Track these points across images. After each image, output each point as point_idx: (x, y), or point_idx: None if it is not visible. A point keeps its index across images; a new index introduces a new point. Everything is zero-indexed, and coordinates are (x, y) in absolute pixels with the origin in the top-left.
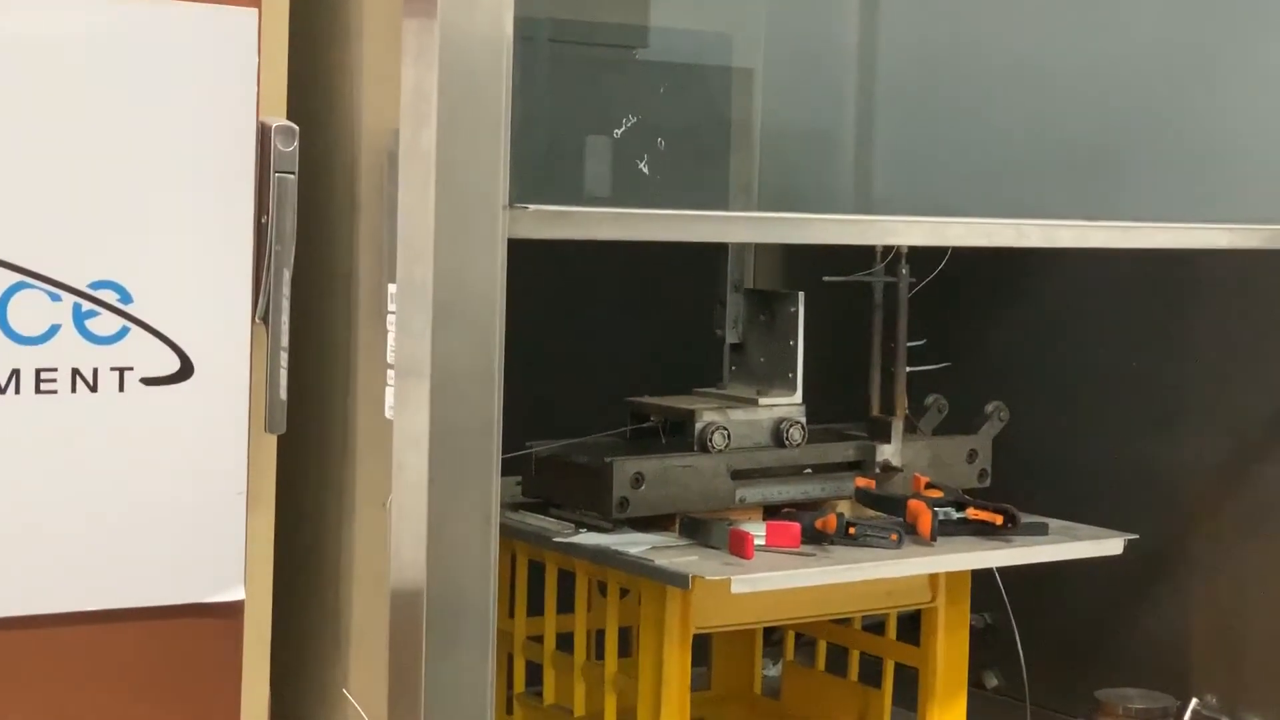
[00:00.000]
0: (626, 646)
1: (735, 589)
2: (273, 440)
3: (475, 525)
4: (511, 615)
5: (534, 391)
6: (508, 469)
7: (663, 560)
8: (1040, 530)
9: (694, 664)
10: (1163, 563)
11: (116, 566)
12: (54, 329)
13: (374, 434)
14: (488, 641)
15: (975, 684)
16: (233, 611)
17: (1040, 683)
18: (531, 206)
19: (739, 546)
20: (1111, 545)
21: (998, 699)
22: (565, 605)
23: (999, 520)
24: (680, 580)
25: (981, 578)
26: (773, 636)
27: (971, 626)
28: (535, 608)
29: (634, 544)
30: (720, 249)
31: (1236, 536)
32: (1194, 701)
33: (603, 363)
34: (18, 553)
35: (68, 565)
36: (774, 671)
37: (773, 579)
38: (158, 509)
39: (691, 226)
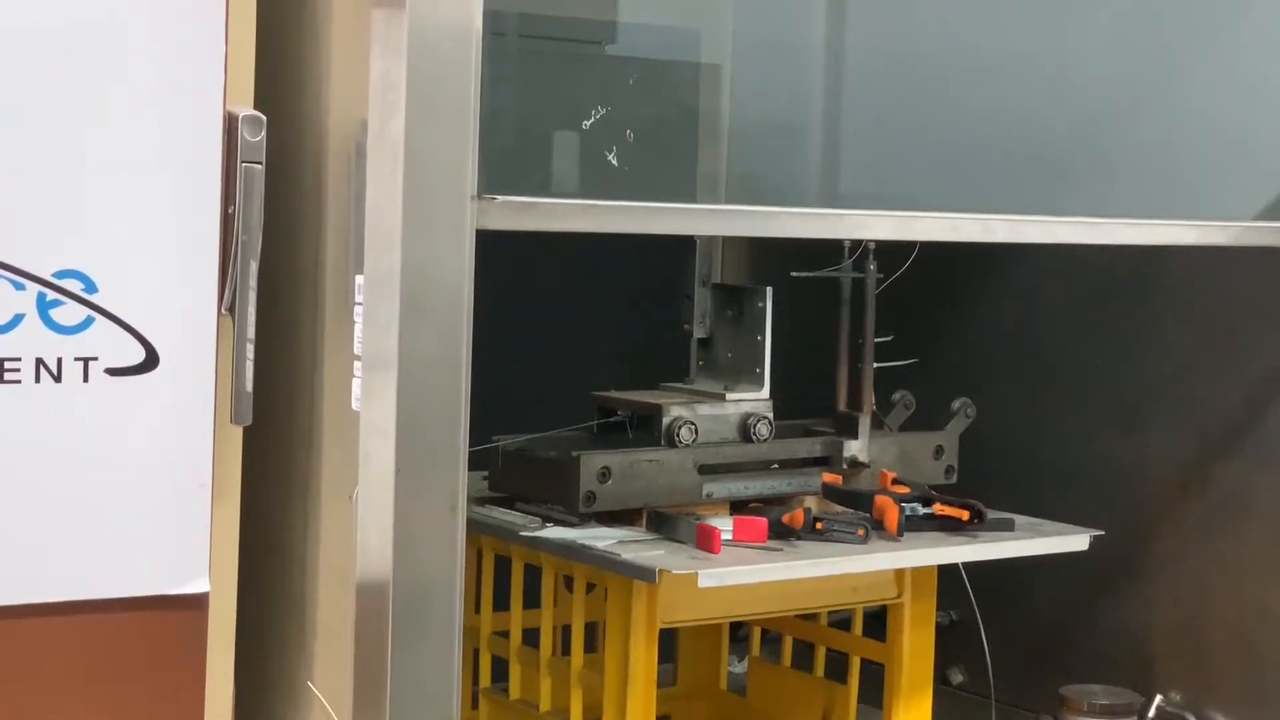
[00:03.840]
0: (593, 642)
1: (702, 583)
2: (238, 432)
3: (441, 517)
4: (478, 610)
5: (501, 386)
6: (474, 463)
7: (629, 554)
8: (1006, 526)
9: (660, 660)
10: (1128, 559)
11: (79, 558)
12: (18, 318)
13: (340, 426)
14: (454, 634)
15: (941, 681)
16: (197, 603)
17: (1005, 679)
18: (500, 198)
19: (706, 541)
20: (1077, 541)
21: (963, 695)
22: (531, 600)
23: (965, 516)
24: (647, 574)
25: (947, 575)
26: (739, 633)
27: (937, 623)
28: (501, 603)
29: (601, 538)
30: (688, 244)
31: (1201, 533)
32: (1158, 698)
33: (570, 357)
34: None
35: (30, 556)
36: (740, 668)
37: (739, 573)
38: (122, 500)
39: (659, 219)
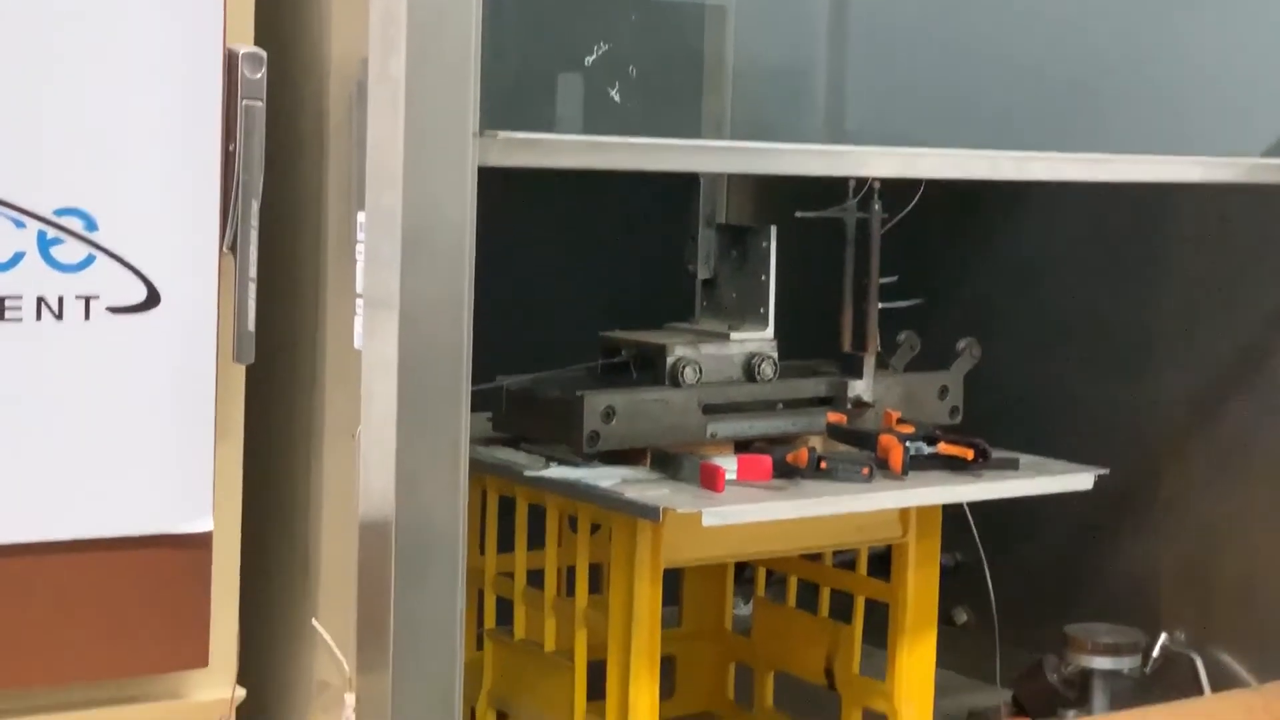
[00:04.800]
0: (597, 583)
1: (706, 522)
2: (241, 371)
3: (445, 454)
4: (482, 552)
5: (504, 326)
6: (478, 403)
7: (633, 493)
8: (1011, 465)
9: (665, 602)
10: (1133, 501)
11: (82, 497)
12: (18, 256)
13: (343, 365)
14: (457, 573)
15: (945, 621)
16: (201, 542)
17: (1010, 620)
18: (501, 134)
19: (710, 480)
20: (1082, 480)
21: (967, 635)
22: (536, 541)
23: (970, 455)
24: (651, 513)
25: (952, 517)
26: (744, 574)
27: (941, 565)
28: (505, 544)
29: (605, 478)
30: (692, 184)
31: (1206, 474)
32: (1163, 637)
33: (574, 297)
34: None
35: (32, 495)
36: (745, 610)
37: (744, 512)
38: (124, 439)
39: (662, 155)
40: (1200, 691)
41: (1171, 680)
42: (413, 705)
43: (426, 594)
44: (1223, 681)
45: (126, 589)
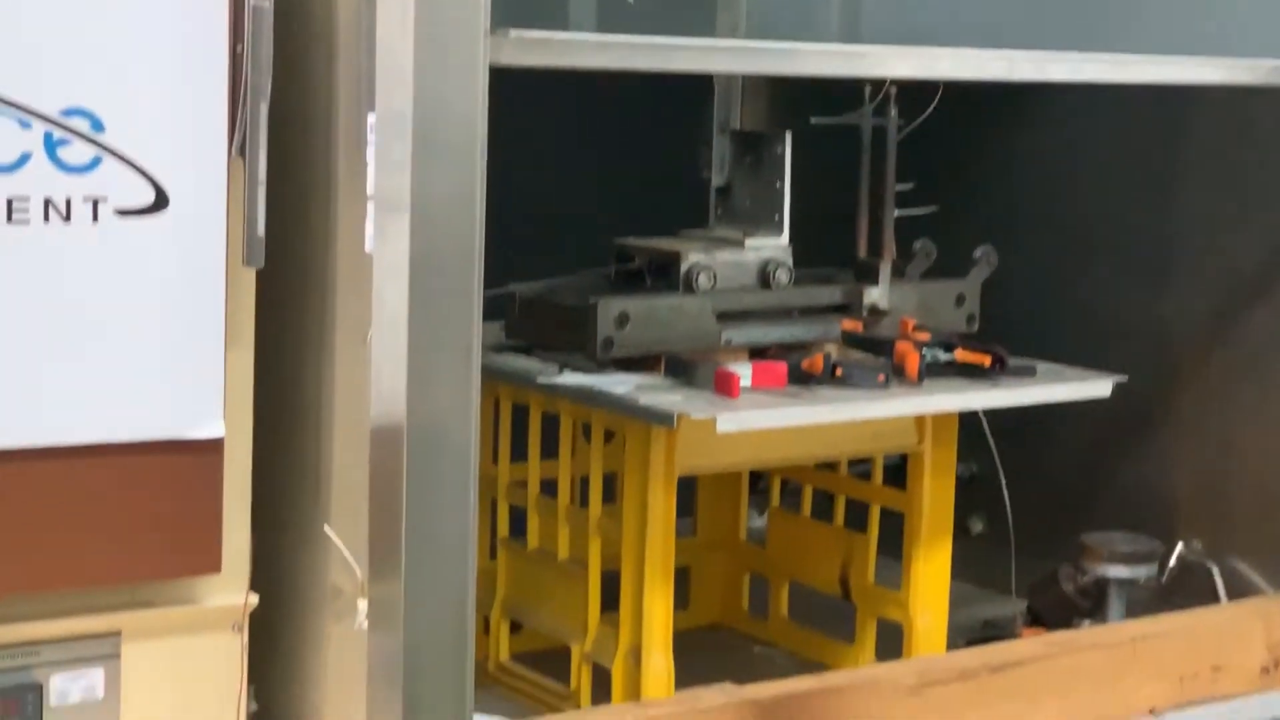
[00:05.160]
0: (611, 494)
1: (721, 428)
2: (251, 275)
3: (456, 358)
4: (495, 461)
5: (518, 233)
6: (491, 312)
7: (648, 399)
8: (1028, 372)
9: (679, 514)
10: (1150, 409)
11: (92, 401)
12: (25, 157)
13: (354, 269)
14: (469, 476)
15: (961, 531)
16: (212, 448)
17: (1025, 529)
18: (513, 32)
19: (725, 386)
20: (1099, 387)
21: (983, 546)
22: (549, 451)
23: (987, 362)
24: (665, 419)
25: (968, 427)
26: (758, 485)
27: (957, 476)
28: (519, 453)
29: (619, 384)
30: (706, 89)
31: (1224, 383)
32: (1180, 546)
33: (588, 205)
34: None
35: (42, 399)
36: (760, 521)
37: (758, 418)
38: (134, 343)
39: (677, 55)
40: (1217, 600)
41: (1188, 589)
42: (425, 611)
43: (439, 499)
44: (1239, 590)
45: (138, 494)
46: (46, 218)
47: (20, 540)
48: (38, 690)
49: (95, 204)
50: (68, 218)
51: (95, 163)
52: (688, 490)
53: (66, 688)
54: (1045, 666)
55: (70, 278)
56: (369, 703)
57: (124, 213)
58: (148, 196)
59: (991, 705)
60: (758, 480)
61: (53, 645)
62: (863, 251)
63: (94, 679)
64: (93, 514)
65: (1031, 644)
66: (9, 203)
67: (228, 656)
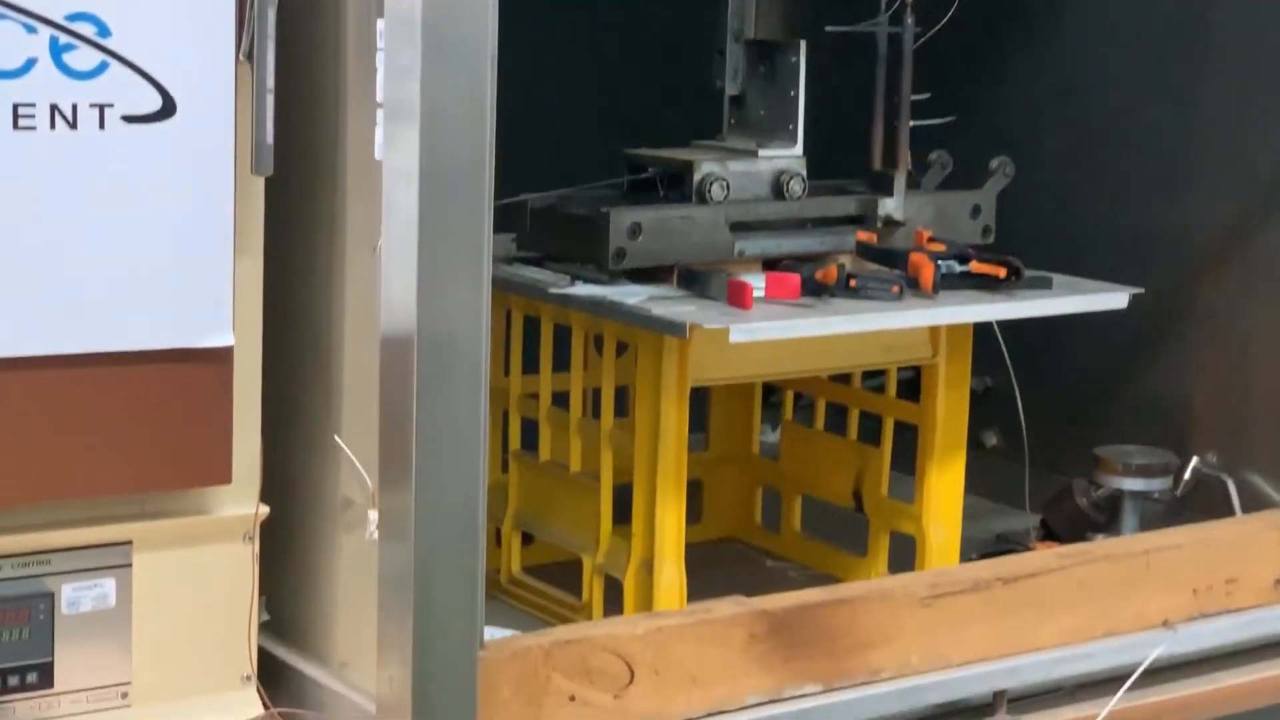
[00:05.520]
0: (623, 408)
1: (734, 338)
2: (260, 183)
3: (466, 265)
4: (507, 373)
5: (529, 144)
6: (502, 223)
7: (660, 310)
8: (1044, 284)
9: (692, 428)
10: (1166, 321)
11: (101, 309)
12: (30, 63)
13: (363, 176)
14: (480, 386)
15: (974, 445)
16: (222, 357)
17: (1040, 443)
18: None
19: (737, 297)
20: (1116, 299)
21: (997, 459)
22: (561, 364)
23: (1002, 273)
24: (678, 329)
25: (982, 340)
26: (771, 399)
27: (971, 390)
28: (530, 366)
29: (631, 295)
30: None
31: (1241, 296)
32: (1195, 459)
33: (600, 115)
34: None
35: (50, 307)
36: (772, 437)
37: (771, 329)
38: (142, 251)
39: None
40: (1231, 513)
41: (1203, 503)
42: (436, 521)
43: (449, 409)
44: (1254, 503)
45: (148, 403)
46: (53, 125)
47: (30, 449)
48: (49, 599)
49: (102, 110)
50: (74, 125)
51: (101, 68)
52: (701, 404)
53: (78, 597)
54: (1058, 578)
55: (77, 185)
56: (380, 614)
57: (131, 119)
58: (154, 103)
59: (1003, 617)
60: (770, 394)
61: (64, 554)
62: (878, 162)
63: (106, 588)
64: (102, 423)
65: (1044, 556)
66: (15, 109)
67: (239, 567)
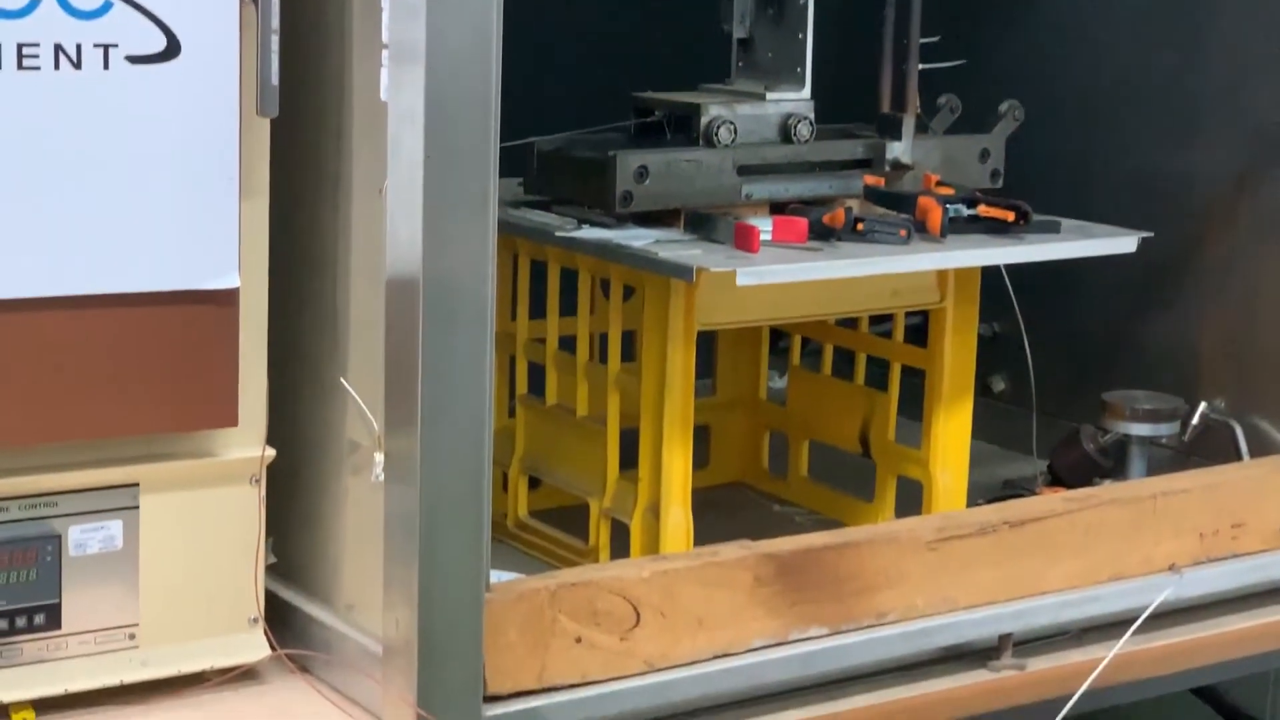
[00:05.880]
0: (630, 352)
1: (740, 281)
2: (265, 124)
3: (472, 207)
4: (514, 317)
5: (536, 87)
6: (509, 167)
7: (667, 253)
8: (1053, 228)
9: (700, 375)
10: (1175, 268)
11: (105, 251)
12: (34, 2)
13: (370, 119)
14: (485, 327)
15: (982, 390)
16: (228, 299)
17: (1048, 388)
18: None
19: (745, 240)
20: (1125, 243)
21: (1004, 405)
22: (568, 309)
23: (1011, 217)
24: (684, 273)
25: (990, 285)
26: (779, 344)
27: (979, 335)
28: (537, 310)
29: (638, 238)
30: None
31: (1249, 242)
32: (1203, 405)
33: (607, 58)
34: (3, 234)
35: (55, 248)
36: (780, 383)
37: (778, 272)
38: (147, 192)
39: None
40: (1239, 459)
41: (1210, 449)
42: (442, 464)
43: (455, 352)
44: (1262, 449)
45: (154, 346)
46: (57, 65)
47: (36, 390)
48: (56, 540)
49: (106, 51)
50: (78, 65)
51: (105, 8)
52: (708, 350)
53: (85, 539)
54: (1065, 522)
55: (82, 126)
56: (386, 557)
57: (135, 60)
58: (159, 43)
59: (1010, 561)
60: (778, 340)
61: (71, 496)
62: (886, 106)
63: (113, 530)
64: (107, 365)
65: (1051, 501)
66: (19, 49)
67: (246, 509)
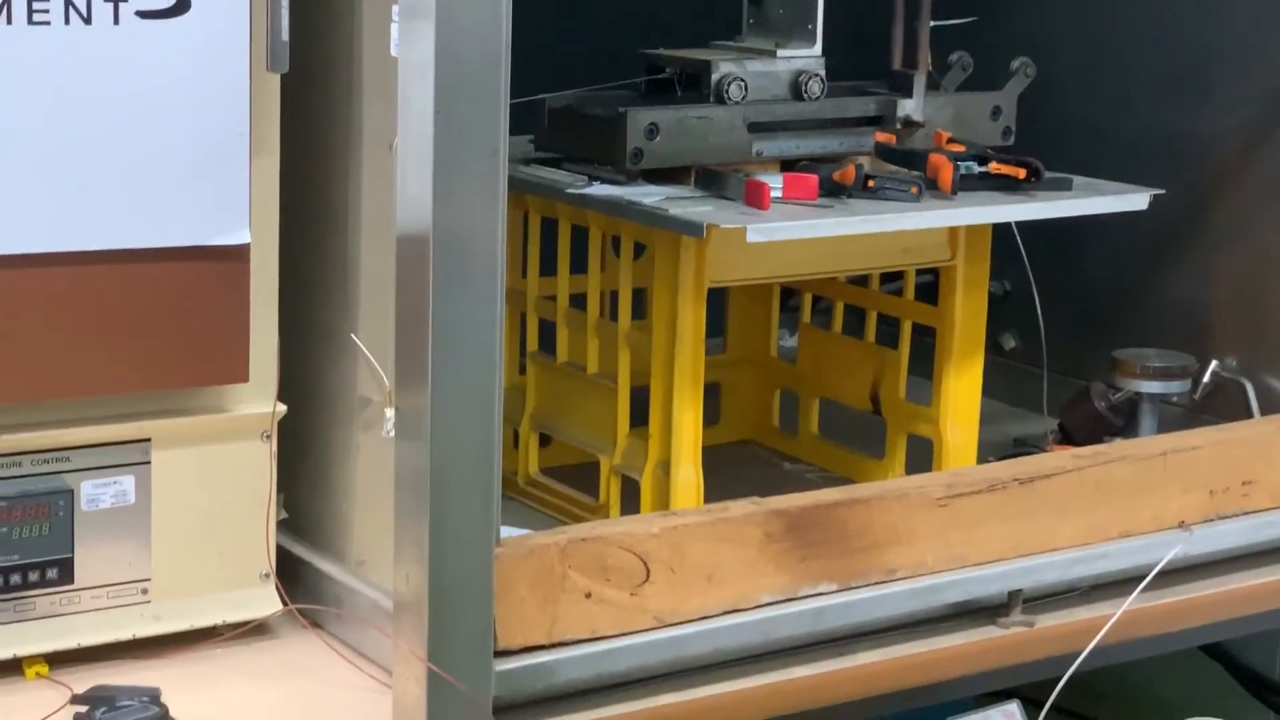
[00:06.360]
0: (641, 309)
1: (751, 238)
2: (276, 80)
3: (482, 162)
4: (524, 274)
5: (546, 44)
6: (519, 125)
7: (677, 210)
8: (1065, 185)
9: (710, 333)
10: (1186, 226)
11: (115, 206)
12: None
13: (380, 74)
14: (496, 283)
15: (993, 348)
16: (238, 255)
17: (1058, 346)
18: None
19: (755, 197)
20: (1137, 200)
21: (1015, 363)
22: (579, 266)
23: (1022, 174)
24: (695, 229)
25: (1001, 244)
26: (789, 303)
27: (990, 293)
28: (548, 268)
29: (648, 195)
30: None
31: (1262, 198)
32: (1214, 363)
33: (618, 15)
34: (15, 190)
35: (67, 203)
36: (790, 342)
37: (789, 228)
38: (157, 148)
39: None
40: (1250, 417)
41: (1221, 407)
42: (452, 421)
43: (465, 303)
44: (1273, 407)
45: (164, 301)
46: (67, 19)
47: (48, 346)
48: (69, 495)
49: (116, 5)
50: (88, 19)
51: None
52: (718, 308)
53: (97, 494)
54: (1074, 479)
55: (92, 81)
56: (397, 512)
57: (145, 14)
58: None
59: (1019, 517)
60: (788, 298)
61: (83, 451)
62: (897, 63)
63: (125, 485)
64: (118, 321)
65: (1061, 457)
66: (29, 3)
67: (257, 465)
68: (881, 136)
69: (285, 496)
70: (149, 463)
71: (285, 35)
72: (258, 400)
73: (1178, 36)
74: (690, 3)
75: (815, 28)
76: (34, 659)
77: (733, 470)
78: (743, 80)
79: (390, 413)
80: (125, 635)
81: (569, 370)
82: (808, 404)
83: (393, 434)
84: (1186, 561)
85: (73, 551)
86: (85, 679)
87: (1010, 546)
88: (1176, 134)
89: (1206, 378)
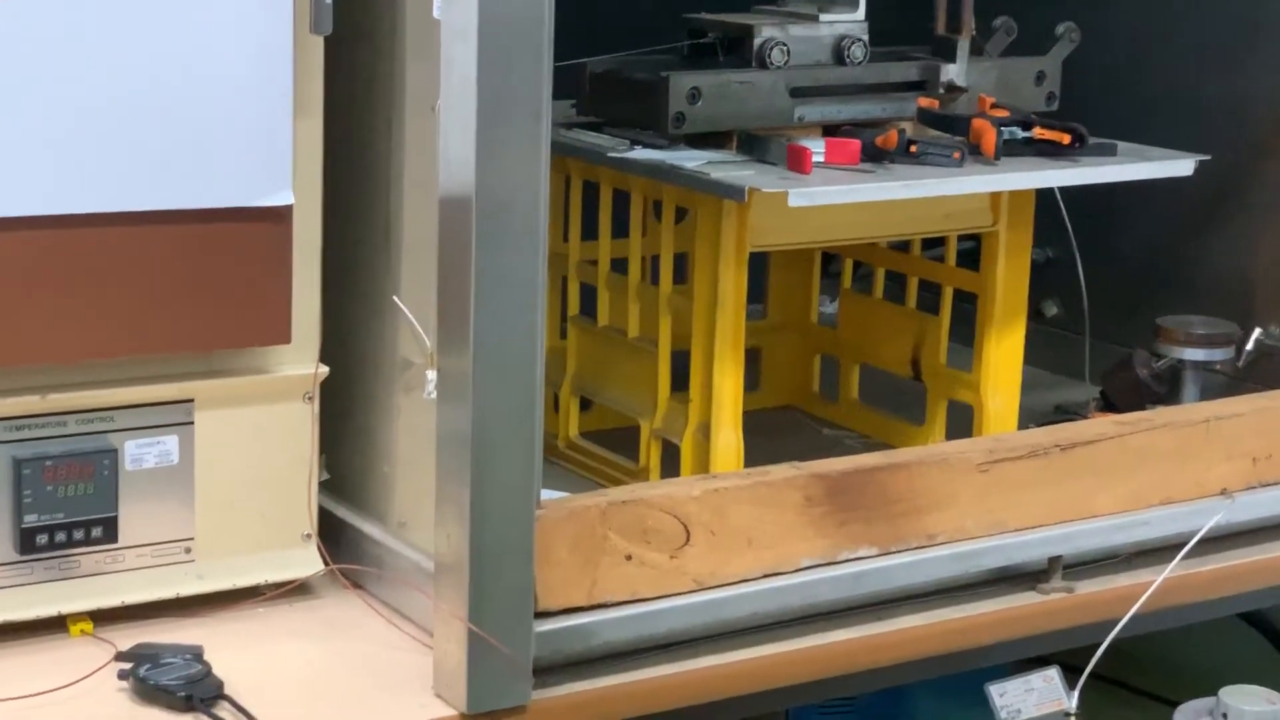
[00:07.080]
0: (682, 274)
1: (792, 202)
2: (319, 42)
3: (525, 124)
4: (566, 239)
5: (589, 8)
6: (561, 89)
7: (719, 174)
8: (1109, 151)
9: (751, 298)
10: (1232, 192)
11: (161, 168)
12: None
13: (422, 34)
14: (538, 246)
15: (1034, 315)
16: (282, 216)
17: (1101, 313)
18: None
19: (797, 161)
20: (1182, 166)
21: (1056, 330)
22: (620, 231)
23: (1066, 139)
24: (736, 193)
25: (1044, 210)
26: (830, 268)
27: (1033, 260)
28: (589, 232)
29: (690, 159)
30: None
31: None
32: (1258, 331)
33: None
34: (62, 149)
35: (111, 164)
36: (831, 308)
37: (830, 193)
38: (201, 109)
39: None
40: None
41: (1265, 375)
42: (494, 382)
43: (507, 266)
44: None
45: (208, 262)
46: None
47: (93, 306)
48: (113, 455)
49: None
50: None
51: None
52: (759, 273)
53: (141, 453)
54: (1116, 445)
55: (137, 43)
56: (438, 475)
57: None
58: None
59: (1060, 483)
60: (829, 264)
61: (127, 411)
62: (941, 28)
63: (168, 445)
64: (162, 281)
65: (1102, 424)
66: None
67: (299, 426)
68: (924, 102)
69: (327, 458)
70: (192, 423)
71: None
72: (300, 362)
73: (1224, 3)
74: None
75: None
76: (79, 617)
77: (772, 435)
78: (785, 45)
79: (432, 375)
80: (169, 594)
81: (610, 334)
82: (848, 369)
83: (434, 396)
84: (1228, 529)
85: (117, 510)
86: (129, 636)
87: (1051, 512)
88: (1221, 100)
89: (1250, 345)
